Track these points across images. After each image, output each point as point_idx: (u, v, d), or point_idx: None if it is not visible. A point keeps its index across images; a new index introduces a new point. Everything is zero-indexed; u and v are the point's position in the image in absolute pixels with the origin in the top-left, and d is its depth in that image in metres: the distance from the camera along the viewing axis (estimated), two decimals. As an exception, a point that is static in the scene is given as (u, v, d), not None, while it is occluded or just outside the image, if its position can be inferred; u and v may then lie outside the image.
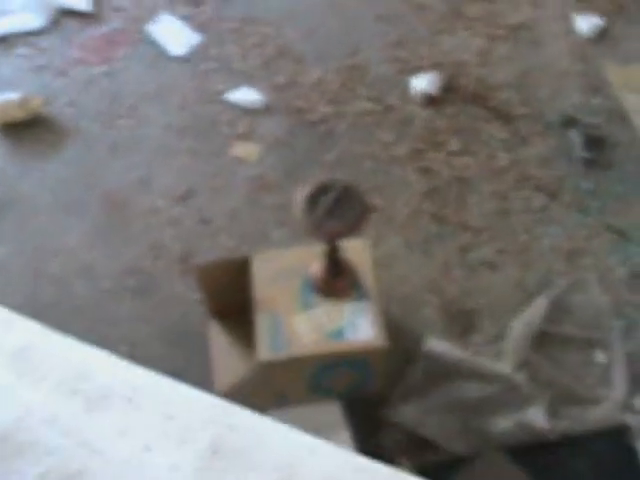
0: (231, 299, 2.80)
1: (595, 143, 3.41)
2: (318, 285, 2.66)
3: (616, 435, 2.80)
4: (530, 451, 2.73)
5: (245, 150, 3.44)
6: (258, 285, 2.70)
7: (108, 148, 3.51)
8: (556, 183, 3.33)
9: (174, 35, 3.82)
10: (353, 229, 2.47)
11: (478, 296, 3.05)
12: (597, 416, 2.82)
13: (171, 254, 3.19)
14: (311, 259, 2.68)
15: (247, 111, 3.55)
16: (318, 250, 2.61)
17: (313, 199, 2.45)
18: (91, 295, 3.12)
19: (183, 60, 3.75)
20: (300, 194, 2.46)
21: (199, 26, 3.86)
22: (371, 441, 2.71)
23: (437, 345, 2.91)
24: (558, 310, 3.02)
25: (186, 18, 3.89)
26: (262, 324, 2.62)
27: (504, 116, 3.50)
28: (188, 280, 2.99)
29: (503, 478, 2.72)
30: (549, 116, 3.52)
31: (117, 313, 3.07)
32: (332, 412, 2.75)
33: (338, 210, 2.45)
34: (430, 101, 3.54)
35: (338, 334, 2.60)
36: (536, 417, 2.79)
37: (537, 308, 3.00)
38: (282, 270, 2.73)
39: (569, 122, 3.47)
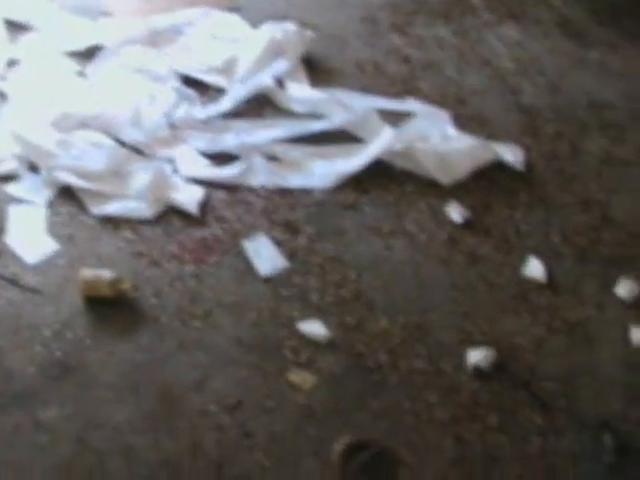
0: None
1: (624, 452, 3.57)
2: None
3: None
4: None
5: (301, 378, 3.66)
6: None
7: (177, 344, 3.76)
8: (579, 481, 3.51)
9: (264, 256, 4.12)
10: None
11: None
12: None
13: (208, 458, 3.38)
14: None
15: (312, 343, 3.79)
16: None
17: (350, 453, 2.65)
18: (124, 476, 3.32)
19: (266, 281, 4.04)
20: (339, 445, 2.66)
21: (289, 253, 4.16)
22: None
23: None
24: None
25: (279, 242, 4.20)
26: None
27: (545, 406, 3.69)
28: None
29: None
30: (587, 416, 3.69)
31: (145, 500, 3.27)
32: None
33: (372, 468, 2.64)
34: (479, 375, 3.75)
35: None
36: None
37: None
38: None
39: (604, 426, 3.64)
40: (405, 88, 5.18)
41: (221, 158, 4.64)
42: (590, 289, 4.24)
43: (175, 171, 4.56)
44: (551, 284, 4.22)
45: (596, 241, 4.47)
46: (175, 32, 5.48)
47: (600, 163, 4.96)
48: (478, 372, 3.75)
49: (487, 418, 3.63)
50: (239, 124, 4.85)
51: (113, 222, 4.27)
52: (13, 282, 3.97)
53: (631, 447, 3.60)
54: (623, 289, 4.21)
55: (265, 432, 3.48)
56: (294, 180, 4.55)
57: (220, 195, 4.45)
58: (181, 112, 4.90)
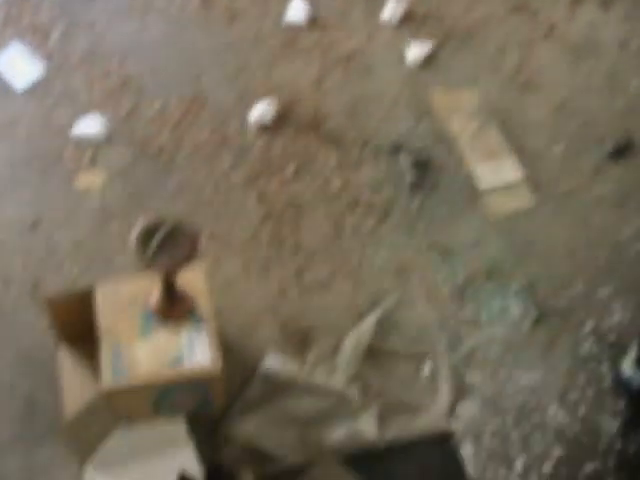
0: (79, 327, 2.92)
1: (421, 167, 3.65)
2: (157, 313, 2.82)
3: (442, 442, 3.02)
4: (363, 459, 2.94)
5: (89, 180, 3.56)
6: (101, 314, 2.84)
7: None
8: (385, 205, 3.56)
9: (19, 67, 3.90)
10: (184, 262, 2.65)
11: (313, 315, 3.26)
12: (424, 424, 3.04)
13: (20, 284, 3.29)
14: (151, 287, 2.84)
15: (91, 142, 3.67)
16: (157, 278, 2.77)
17: (145, 237, 2.61)
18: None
19: (28, 92, 3.84)
20: (133, 231, 2.62)
21: (45, 57, 3.95)
22: (214, 455, 2.88)
23: (274, 362, 3.10)
24: (387, 326, 3.24)
25: (32, 49, 3.97)
26: (105, 352, 2.76)
27: (336, 142, 3.72)
28: (38, 308, 3.07)
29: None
30: (379, 141, 3.74)
31: (-31, 341, 3.18)
32: (176, 429, 2.91)
33: (169, 246, 2.62)
34: (266, 129, 3.73)
35: (177, 360, 2.76)
36: (366, 427, 2.99)
37: (367, 325, 3.22)
38: (124, 299, 2.87)
39: (397, 147, 3.70)
40: None
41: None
42: (357, 19, 4.21)
43: None
44: (317, 22, 4.16)
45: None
46: None
47: None
48: (264, 127, 3.72)
49: (284, 169, 3.63)
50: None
51: None
52: None
53: (426, 161, 3.68)
54: (388, 12, 4.18)
55: (69, 242, 3.40)
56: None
57: (-46, 18, 4.15)
58: None
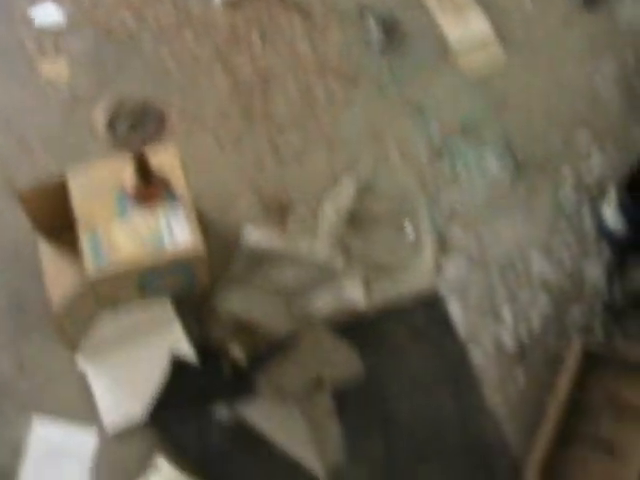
0: (58, 218, 2.90)
1: (389, 27, 3.59)
2: (132, 194, 2.80)
3: (430, 304, 3.05)
4: (352, 326, 2.96)
5: (54, 69, 3.48)
6: (76, 202, 2.82)
7: None
8: (355, 69, 3.52)
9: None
10: (154, 138, 2.61)
11: (291, 185, 3.25)
12: (410, 284, 3.06)
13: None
14: (124, 170, 2.81)
15: (52, 30, 3.57)
16: (128, 160, 2.74)
17: (112, 117, 2.57)
18: None
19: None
20: (99, 114, 2.58)
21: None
22: (202, 333, 2.91)
23: (256, 234, 3.09)
24: (366, 191, 3.23)
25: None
26: (84, 239, 2.75)
27: (302, 10, 3.64)
28: (14, 205, 3.03)
29: (328, 352, 2.93)
30: (345, 6, 3.68)
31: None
32: (163, 308, 2.92)
33: (138, 123, 2.58)
34: (229, 3, 3.64)
35: (157, 242, 2.75)
36: (353, 292, 3.01)
37: (345, 189, 3.21)
38: (97, 184, 2.85)
39: (364, 9, 3.63)
40: None
41: None
42: None
43: None
44: None
45: None
46: None
47: None
48: (226, 1, 3.64)
49: (249, 42, 3.57)
50: None
51: None
52: None
53: (393, 21, 3.62)
54: None
55: (39, 134, 3.33)
56: None
57: None
58: None
